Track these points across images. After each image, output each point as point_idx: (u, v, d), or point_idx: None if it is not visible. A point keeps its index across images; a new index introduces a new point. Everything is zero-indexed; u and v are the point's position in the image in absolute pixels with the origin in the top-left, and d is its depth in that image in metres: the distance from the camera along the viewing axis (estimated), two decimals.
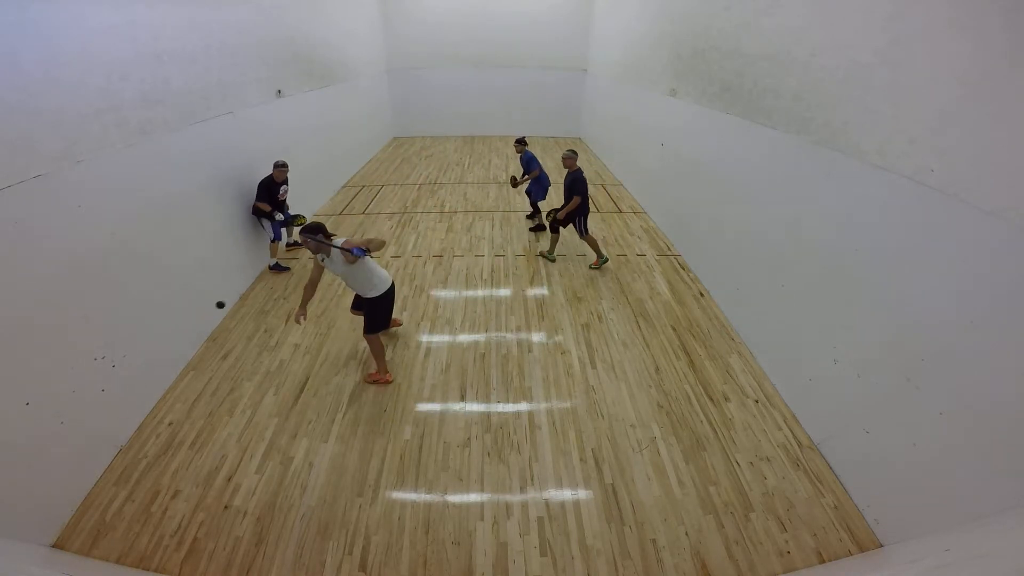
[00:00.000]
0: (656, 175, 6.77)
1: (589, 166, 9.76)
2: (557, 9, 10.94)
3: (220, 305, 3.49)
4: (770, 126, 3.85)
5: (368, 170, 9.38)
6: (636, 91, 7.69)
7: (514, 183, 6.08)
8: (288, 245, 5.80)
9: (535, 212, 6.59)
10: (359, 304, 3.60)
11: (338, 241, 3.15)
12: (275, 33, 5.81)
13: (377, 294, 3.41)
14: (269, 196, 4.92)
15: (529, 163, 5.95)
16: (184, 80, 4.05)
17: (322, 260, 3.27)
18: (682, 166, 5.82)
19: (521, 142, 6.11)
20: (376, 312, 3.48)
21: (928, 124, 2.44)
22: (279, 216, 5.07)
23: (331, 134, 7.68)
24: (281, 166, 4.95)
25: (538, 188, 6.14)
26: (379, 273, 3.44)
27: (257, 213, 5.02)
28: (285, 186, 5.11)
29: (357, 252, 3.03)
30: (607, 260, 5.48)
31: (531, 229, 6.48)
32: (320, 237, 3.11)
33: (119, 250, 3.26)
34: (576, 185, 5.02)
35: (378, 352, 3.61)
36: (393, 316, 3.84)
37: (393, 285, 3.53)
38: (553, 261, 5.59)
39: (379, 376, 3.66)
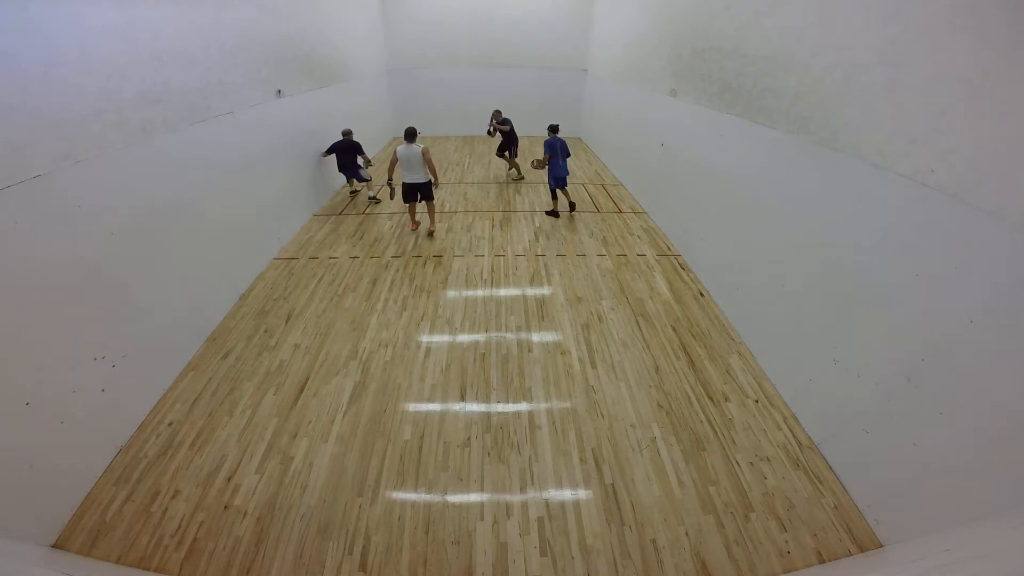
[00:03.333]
0: (656, 175, 6.77)
1: (589, 166, 9.77)
2: (557, 9, 10.93)
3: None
4: (770, 126, 3.85)
5: (368, 170, 9.35)
6: (636, 91, 7.69)
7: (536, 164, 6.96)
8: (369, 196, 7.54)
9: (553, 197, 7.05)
10: (415, 195, 5.96)
11: (417, 147, 5.61)
12: (275, 33, 5.81)
13: (427, 180, 5.86)
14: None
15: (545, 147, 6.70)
16: (184, 80, 4.05)
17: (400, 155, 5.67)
18: (682, 166, 5.82)
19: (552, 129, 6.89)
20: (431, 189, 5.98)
21: (928, 124, 2.44)
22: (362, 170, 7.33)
23: (331, 134, 7.66)
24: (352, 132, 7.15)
25: (548, 175, 6.83)
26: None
27: (357, 166, 7.19)
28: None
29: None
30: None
31: (547, 213, 7.12)
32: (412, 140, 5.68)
33: (119, 250, 3.26)
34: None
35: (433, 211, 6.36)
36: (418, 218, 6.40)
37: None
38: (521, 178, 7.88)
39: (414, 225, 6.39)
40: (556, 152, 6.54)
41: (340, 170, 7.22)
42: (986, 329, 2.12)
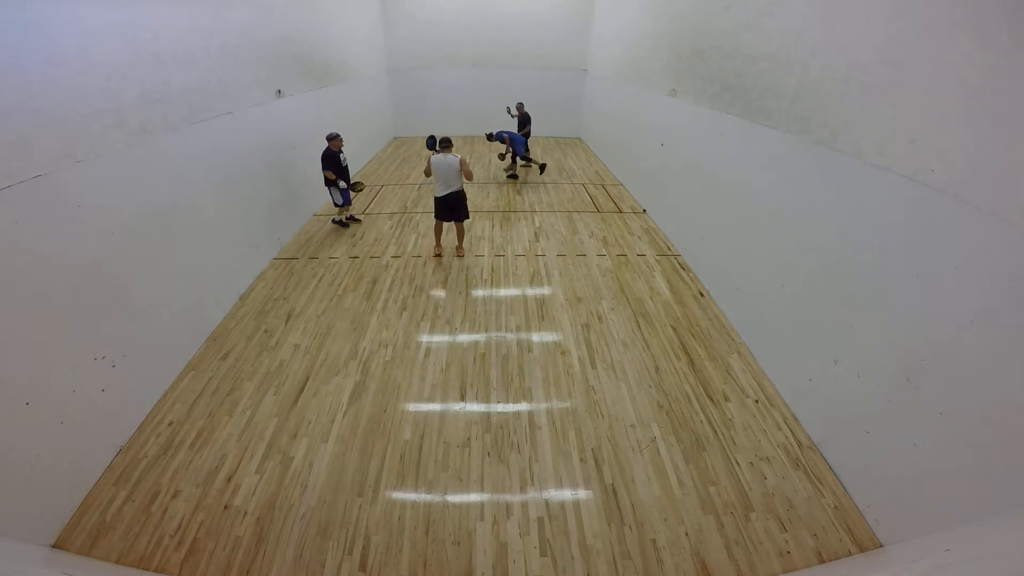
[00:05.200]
0: (656, 175, 6.77)
1: (589, 166, 9.77)
2: (557, 9, 10.93)
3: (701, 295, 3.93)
4: (770, 126, 3.85)
5: (368, 170, 9.38)
6: (636, 91, 7.69)
7: (501, 157, 8.61)
8: (346, 219, 6.55)
9: (513, 164, 8.73)
10: (449, 212, 5.40)
11: (454, 157, 5.06)
12: (275, 33, 5.81)
13: (462, 191, 5.34)
14: (334, 165, 5.75)
15: (500, 138, 8.21)
16: (184, 80, 4.05)
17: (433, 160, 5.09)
18: (682, 166, 5.82)
19: (489, 137, 8.40)
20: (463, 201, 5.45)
21: (928, 124, 2.44)
22: (342, 184, 5.94)
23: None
24: (335, 137, 5.72)
25: (518, 146, 8.25)
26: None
27: (327, 183, 5.93)
28: (342, 154, 5.93)
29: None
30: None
31: (508, 176, 8.62)
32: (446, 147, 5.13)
33: (119, 250, 3.26)
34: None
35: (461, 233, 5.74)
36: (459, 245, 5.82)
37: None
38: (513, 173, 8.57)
39: (438, 250, 5.76)
40: (511, 136, 8.14)
41: (339, 182, 5.95)
42: (986, 329, 2.12)
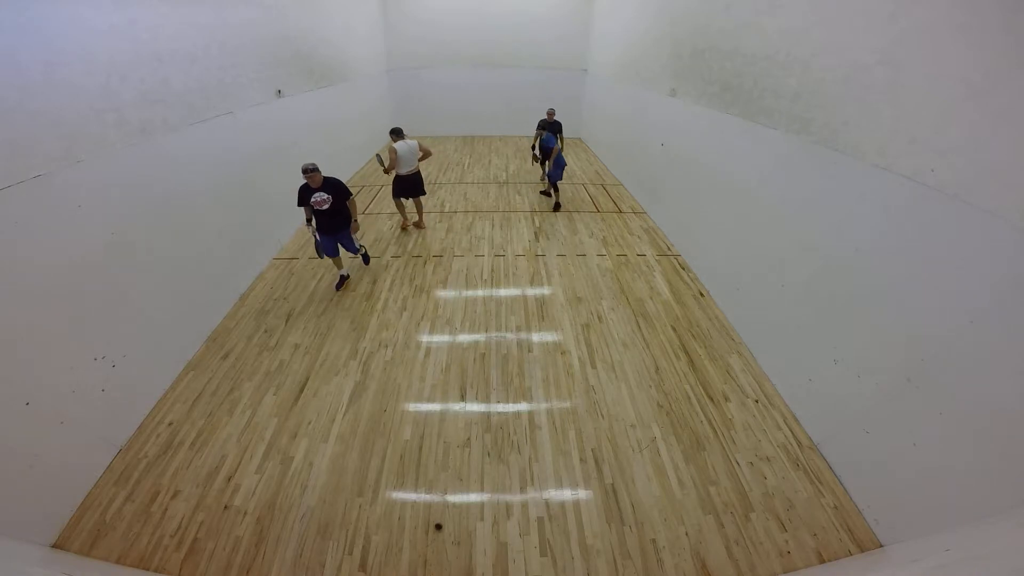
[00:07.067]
0: (656, 175, 6.77)
1: (589, 166, 9.77)
2: (557, 9, 10.93)
3: (438, 527, 2.62)
4: (770, 126, 3.85)
5: (368, 170, 9.37)
6: (636, 91, 7.69)
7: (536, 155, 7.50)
8: (340, 277, 5.02)
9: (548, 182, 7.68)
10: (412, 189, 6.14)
11: (413, 141, 5.88)
12: (275, 33, 5.81)
13: (414, 171, 6.02)
14: (300, 201, 4.42)
15: (544, 143, 7.16)
16: (184, 80, 4.05)
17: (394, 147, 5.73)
18: (682, 166, 5.82)
19: (547, 118, 7.40)
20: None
21: (928, 124, 2.44)
22: (312, 229, 4.57)
23: (331, 134, 7.67)
24: (307, 171, 4.23)
25: (557, 169, 7.03)
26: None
27: (307, 221, 4.60)
28: (321, 194, 4.34)
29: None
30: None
31: (542, 192, 8.01)
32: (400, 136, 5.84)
33: (119, 250, 3.26)
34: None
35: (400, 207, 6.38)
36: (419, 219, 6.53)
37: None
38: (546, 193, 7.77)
39: (405, 223, 6.50)
40: (557, 153, 6.91)
41: (311, 224, 4.65)
42: (986, 329, 2.12)
